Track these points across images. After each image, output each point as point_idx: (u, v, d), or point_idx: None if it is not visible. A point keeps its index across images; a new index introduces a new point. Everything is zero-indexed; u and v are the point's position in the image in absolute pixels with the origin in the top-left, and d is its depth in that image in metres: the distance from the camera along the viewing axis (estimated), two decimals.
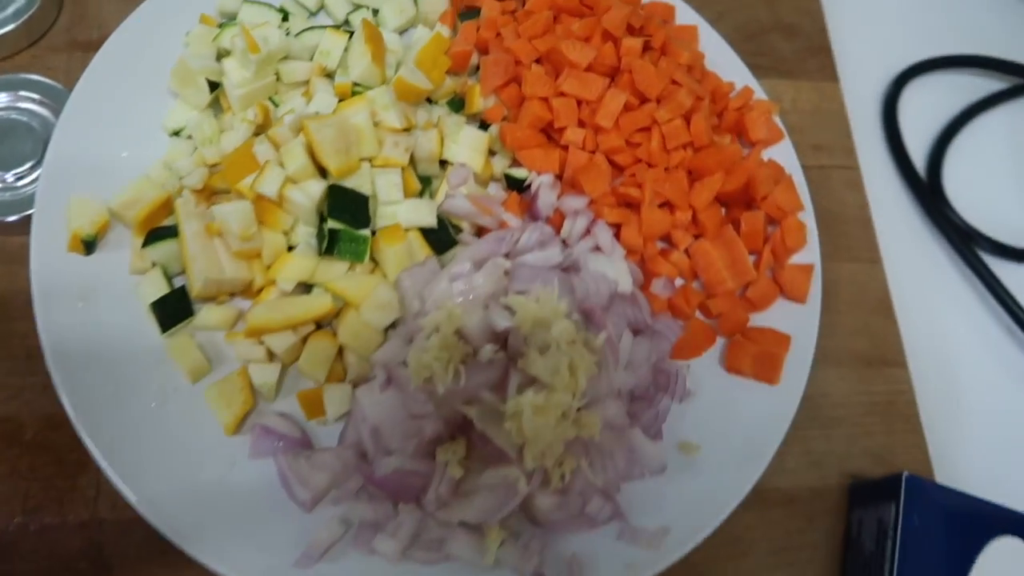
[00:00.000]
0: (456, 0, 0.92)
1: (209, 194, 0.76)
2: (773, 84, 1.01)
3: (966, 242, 1.01)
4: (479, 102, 0.85)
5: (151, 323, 0.72)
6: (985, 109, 1.12)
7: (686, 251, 0.83)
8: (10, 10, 0.86)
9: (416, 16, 0.91)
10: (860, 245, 0.95)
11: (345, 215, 0.72)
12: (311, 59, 0.84)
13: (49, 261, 0.72)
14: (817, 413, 0.85)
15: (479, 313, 0.68)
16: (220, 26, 0.85)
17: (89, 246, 0.74)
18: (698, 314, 0.82)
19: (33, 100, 0.84)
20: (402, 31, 0.92)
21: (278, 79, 0.81)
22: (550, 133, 0.85)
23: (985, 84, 1.15)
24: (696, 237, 0.83)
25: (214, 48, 0.83)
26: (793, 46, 1.07)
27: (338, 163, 0.72)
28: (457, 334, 0.67)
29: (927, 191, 1.05)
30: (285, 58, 0.81)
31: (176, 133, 0.81)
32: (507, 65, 0.85)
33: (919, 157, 1.08)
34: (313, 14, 0.90)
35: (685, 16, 0.97)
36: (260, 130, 0.78)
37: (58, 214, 0.74)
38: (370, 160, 0.76)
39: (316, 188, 0.73)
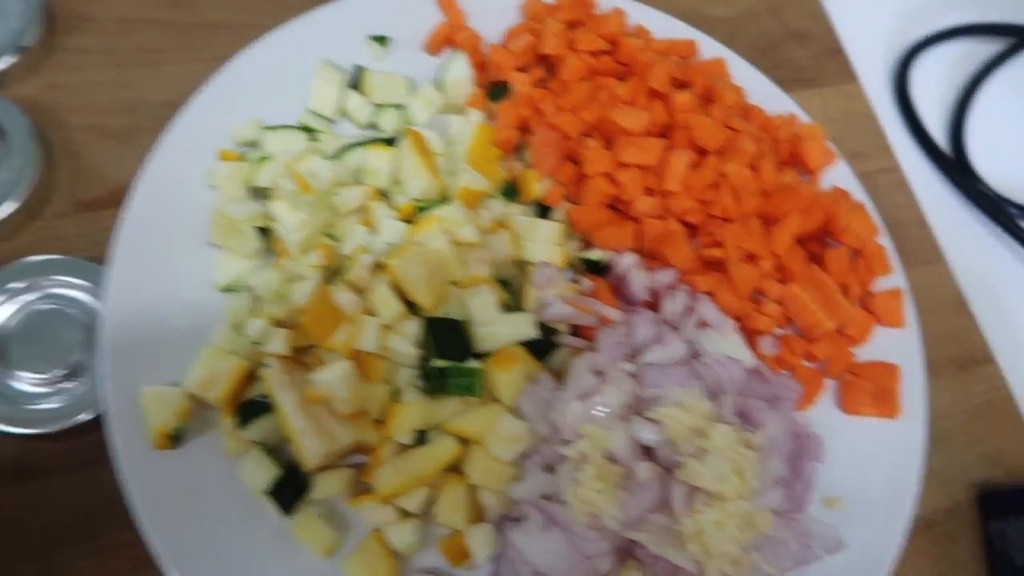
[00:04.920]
0: (480, 79, 0.87)
1: (295, 355, 0.70)
2: (799, 96, 0.99)
3: (1005, 214, 1.02)
4: (536, 187, 0.80)
5: (266, 505, 0.67)
6: (991, 71, 1.13)
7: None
8: None
9: (443, 104, 0.86)
10: (922, 247, 0.95)
11: (453, 351, 0.67)
12: (354, 179, 0.78)
13: (138, 464, 0.66)
14: (929, 431, 0.85)
15: (623, 431, 0.65)
16: (244, 157, 0.78)
17: (177, 440, 0.68)
18: None
19: (61, 283, 0.75)
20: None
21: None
22: (616, 206, 0.81)
23: (982, 50, 1.15)
24: (781, 282, 0.81)
25: (245, 186, 0.77)
26: (808, 52, 1.05)
27: (432, 298, 0.68)
28: (606, 457, 0.64)
29: (956, 169, 1.06)
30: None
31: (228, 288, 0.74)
32: (556, 143, 0.81)
33: (939, 136, 1.08)
34: (333, 123, 0.84)
35: (704, 45, 0.94)
36: (328, 272, 0.73)
37: (130, 408, 0.68)
38: (455, 282, 0.72)
39: (414, 330, 0.68)
